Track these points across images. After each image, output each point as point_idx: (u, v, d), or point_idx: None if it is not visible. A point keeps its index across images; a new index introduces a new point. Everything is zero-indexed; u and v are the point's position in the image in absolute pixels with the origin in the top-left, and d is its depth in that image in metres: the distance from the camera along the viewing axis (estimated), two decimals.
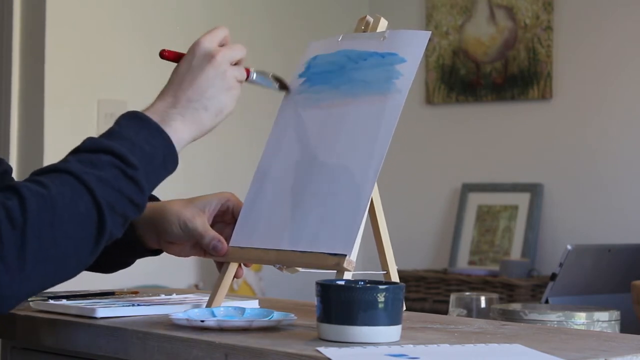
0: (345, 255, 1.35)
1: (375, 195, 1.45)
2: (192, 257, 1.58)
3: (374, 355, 1.17)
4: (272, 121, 1.57)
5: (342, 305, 1.23)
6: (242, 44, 1.47)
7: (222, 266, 1.52)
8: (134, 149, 1.32)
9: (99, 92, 3.70)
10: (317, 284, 1.27)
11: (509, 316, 1.79)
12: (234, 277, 1.52)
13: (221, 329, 1.33)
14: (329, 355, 1.15)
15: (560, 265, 2.36)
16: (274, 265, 1.46)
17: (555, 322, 1.76)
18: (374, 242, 1.49)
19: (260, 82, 1.52)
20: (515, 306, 1.86)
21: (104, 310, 1.46)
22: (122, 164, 1.30)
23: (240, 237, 1.50)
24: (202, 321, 1.34)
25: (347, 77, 1.51)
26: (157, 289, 1.88)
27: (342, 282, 1.31)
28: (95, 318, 1.44)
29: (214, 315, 1.40)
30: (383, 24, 1.54)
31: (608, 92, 3.78)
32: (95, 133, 3.61)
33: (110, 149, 1.31)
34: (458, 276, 3.78)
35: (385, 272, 1.49)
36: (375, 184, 1.40)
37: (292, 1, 4.25)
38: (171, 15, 3.87)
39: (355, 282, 1.31)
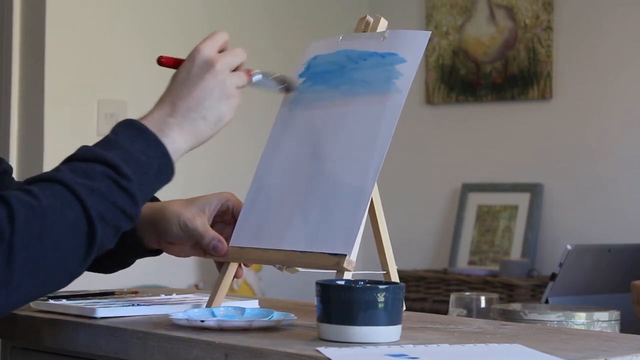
0: (345, 255, 1.35)
1: (375, 195, 1.45)
2: (192, 257, 1.58)
3: (374, 355, 1.17)
4: (272, 121, 1.56)
5: (342, 305, 1.23)
6: (242, 48, 1.45)
7: (222, 266, 1.52)
8: (128, 159, 1.31)
9: (99, 92, 3.70)
10: (317, 284, 1.27)
11: (509, 316, 1.79)
12: (234, 277, 1.52)
13: (221, 329, 1.33)
14: (329, 355, 1.15)
15: (560, 265, 2.36)
16: (274, 265, 1.46)
17: (555, 322, 1.76)
18: (374, 242, 1.48)
19: (262, 85, 1.50)
20: (515, 306, 1.86)
21: (104, 310, 1.46)
22: (116, 174, 1.29)
23: (240, 237, 1.50)
24: (202, 321, 1.34)
25: (347, 77, 1.51)
26: (157, 289, 1.88)
27: (342, 282, 1.31)
28: (95, 318, 1.44)
29: (214, 315, 1.40)
30: (383, 24, 1.53)
31: (608, 92, 3.78)
32: (95, 133, 3.62)
33: (104, 158, 1.29)
34: (458, 276, 3.78)
35: (385, 272, 1.49)
36: (375, 184, 1.40)
37: (292, 1, 4.26)
38: (171, 15, 3.87)
39: (355, 282, 1.31)
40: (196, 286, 3.86)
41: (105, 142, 1.33)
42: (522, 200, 3.94)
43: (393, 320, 1.24)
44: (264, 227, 1.48)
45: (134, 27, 3.78)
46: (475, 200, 4.06)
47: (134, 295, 1.67)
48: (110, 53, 3.73)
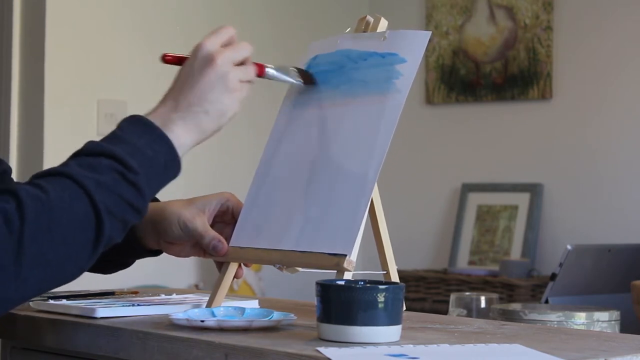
0: (345, 255, 1.35)
1: (375, 195, 1.45)
2: (192, 257, 1.58)
3: (374, 355, 1.17)
4: (272, 121, 1.56)
5: (342, 305, 1.23)
6: (247, 42, 1.45)
7: (222, 266, 1.52)
8: (135, 153, 1.31)
9: (99, 92, 3.70)
10: (317, 284, 1.27)
11: (509, 316, 1.79)
12: (234, 277, 1.52)
13: (221, 329, 1.33)
14: (329, 355, 1.15)
15: (560, 265, 2.36)
16: (274, 265, 1.46)
17: (555, 322, 1.76)
18: (374, 242, 1.48)
19: (279, 78, 1.50)
20: (515, 306, 1.86)
21: (104, 310, 1.46)
22: (123, 168, 1.30)
23: (240, 237, 1.50)
24: (202, 321, 1.34)
25: (347, 77, 1.51)
26: (157, 289, 1.88)
27: (342, 282, 1.31)
28: (95, 318, 1.44)
29: (214, 315, 1.40)
30: (383, 24, 1.53)
31: (608, 92, 3.78)
32: (95, 133, 3.62)
33: (111, 152, 1.30)
34: (458, 276, 3.78)
35: (385, 272, 1.49)
36: (375, 184, 1.40)
37: (292, 1, 4.26)
38: (171, 15, 3.87)
39: (355, 282, 1.31)
40: (196, 286, 3.86)
41: (111, 137, 1.34)
42: (522, 200, 3.94)
43: (393, 320, 1.24)
44: (264, 227, 1.48)
45: (134, 27, 3.78)
46: (475, 200, 4.06)
47: (134, 295, 1.67)
48: (110, 53, 3.73)
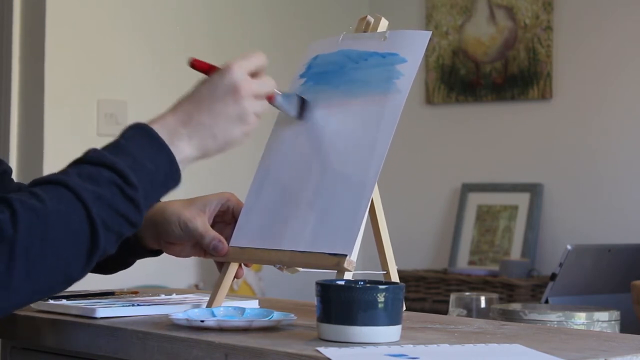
0: (346, 255, 1.35)
1: (375, 195, 1.45)
2: (192, 257, 1.58)
3: (374, 355, 1.17)
4: (272, 121, 1.56)
5: (342, 305, 1.23)
6: (271, 78, 1.43)
7: (222, 266, 1.52)
8: (136, 167, 1.30)
9: (99, 92, 3.70)
10: (317, 284, 1.27)
11: (509, 316, 1.79)
12: (234, 277, 1.52)
13: (221, 329, 1.33)
14: (329, 355, 1.15)
15: (560, 265, 2.36)
16: (274, 265, 1.46)
17: (555, 322, 1.76)
18: (374, 242, 1.48)
19: (281, 108, 1.49)
20: (515, 306, 1.86)
21: (104, 310, 1.46)
22: (123, 182, 1.29)
23: (241, 237, 1.50)
24: (202, 321, 1.34)
25: (347, 77, 1.51)
26: (157, 289, 1.88)
27: (342, 282, 1.31)
28: (95, 318, 1.44)
29: (214, 315, 1.40)
30: (384, 24, 1.53)
31: (608, 92, 3.78)
32: (95, 133, 3.62)
33: (112, 164, 1.29)
34: (458, 276, 3.78)
35: (385, 272, 1.49)
36: (376, 184, 1.40)
37: (292, 1, 4.25)
38: (171, 15, 3.87)
39: (355, 282, 1.31)
40: (196, 286, 3.86)
41: (114, 146, 1.33)
42: (522, 200, 3.94)
43: (393, 320, 1.24)
44: (264, 227, 1.48)
45: (134, 27, 3.78)
46: (475, 200, 4.06)
47: (134, 295, 1.67)
48: (110, 53, 3.73)
